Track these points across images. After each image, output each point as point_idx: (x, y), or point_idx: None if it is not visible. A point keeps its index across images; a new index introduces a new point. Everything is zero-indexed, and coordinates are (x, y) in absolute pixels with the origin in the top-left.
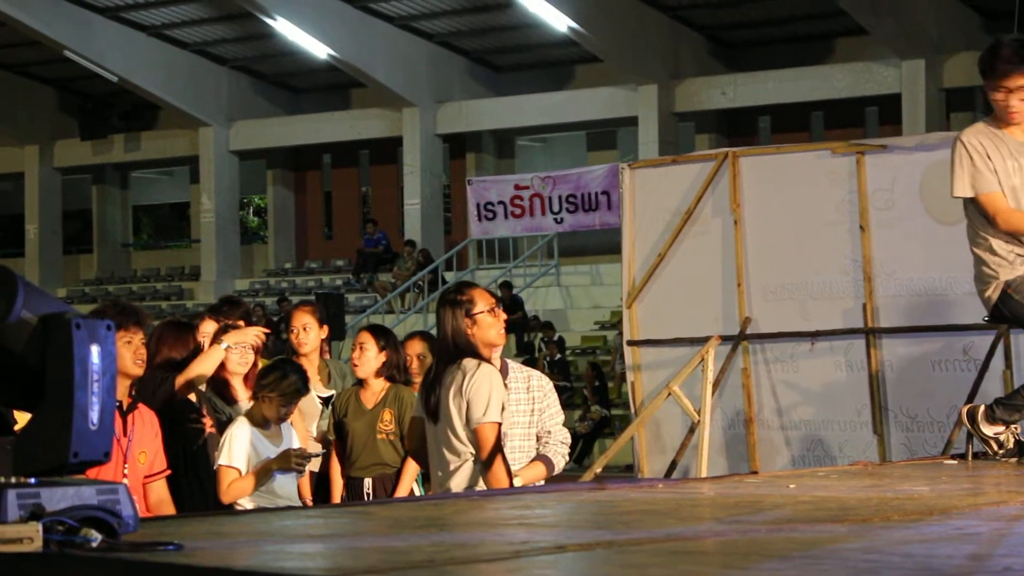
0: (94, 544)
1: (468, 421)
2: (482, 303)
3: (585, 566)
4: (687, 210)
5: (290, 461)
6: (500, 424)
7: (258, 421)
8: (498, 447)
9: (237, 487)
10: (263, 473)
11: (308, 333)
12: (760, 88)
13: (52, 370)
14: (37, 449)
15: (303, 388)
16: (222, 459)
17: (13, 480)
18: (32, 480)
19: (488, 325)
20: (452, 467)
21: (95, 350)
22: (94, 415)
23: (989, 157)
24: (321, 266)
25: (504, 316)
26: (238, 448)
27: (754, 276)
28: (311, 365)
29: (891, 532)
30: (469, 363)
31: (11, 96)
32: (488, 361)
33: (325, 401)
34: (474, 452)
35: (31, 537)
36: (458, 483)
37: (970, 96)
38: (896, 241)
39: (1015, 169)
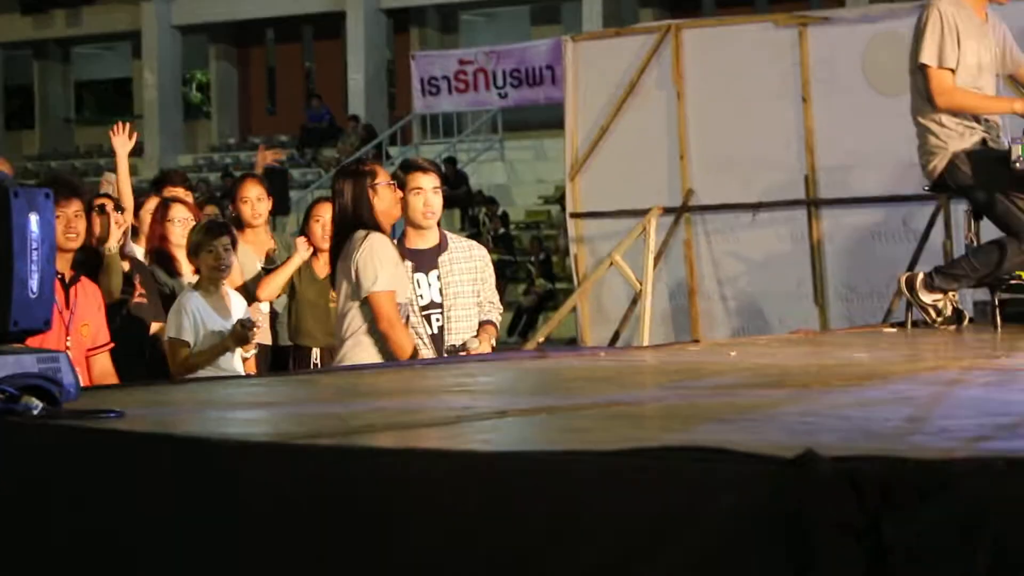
0: (35, 412)
1: (359, 292)
2: (383, 176)
3: (526, 431)
4: (630, 83)
5: (245, 336)
6: (393, 292)
7: (204, 288)
8: (394, 314)
9: (189, 363)
10: (219, 351)
11: (260, 204)
12: None
13: None
14: None
15: (224, 227)
16: (171, 332)
17: None
18: None
19: (388, 197)
20: (347, 339)
21: (33, 218)
22: (33, 283)
23: (958, 32)
24: (265, 141)
25: (400, 193)
26: (187, 321)
27: (696, 148)
28: (260, 238)
29: (830, 396)
30: (359, 234)
31: None
32: (384, 232)
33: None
34: (364, 323)
35: None
36: (354, 356)
37: None
38: (837, 113)
39: (983, 48)
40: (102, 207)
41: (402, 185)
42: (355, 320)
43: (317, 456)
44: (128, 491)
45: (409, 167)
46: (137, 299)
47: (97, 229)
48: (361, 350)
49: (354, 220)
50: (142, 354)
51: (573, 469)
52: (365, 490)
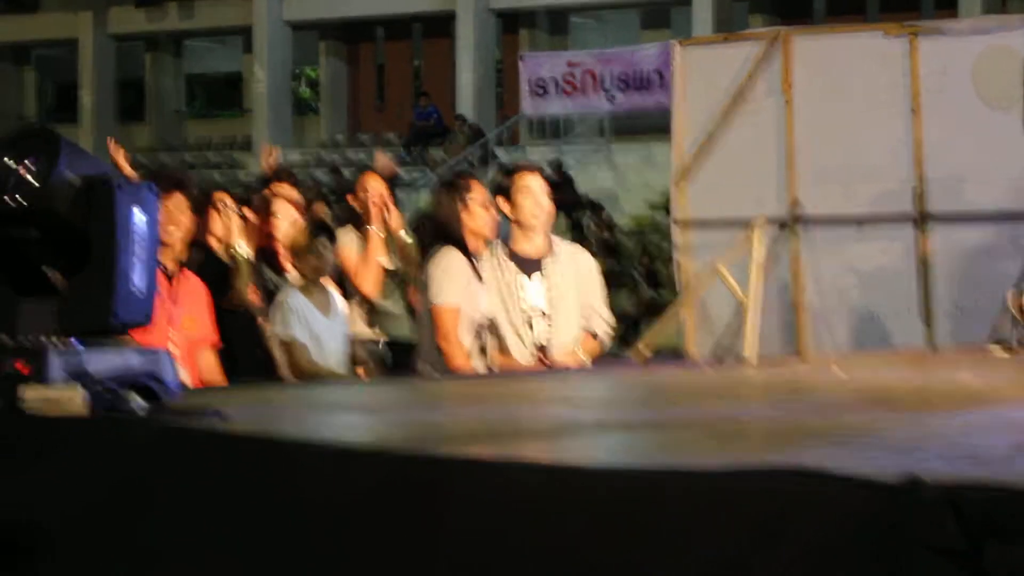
0: (136, 409)
1: (427, 302)
2: (479, 194)
3: (626, 445)
4: (738, 89)
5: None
6: (456, 308)
7: (306, 287)
8: (451, 330)
9: (303, 366)
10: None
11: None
12: None
13: (95, 232)
14: (80, 311)
15: (326, 227)
16: (280, 331)
17: (57, 342)
18: (76, 342)
19: (480, 216)
20: (424, 345)
21: (138, 212)
22: (137, 278)
23: None
24: (373, 139)
25: (500, 203)
26: (294, 319)
27: (804, 158)
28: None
29: (936, 419)
30: (437, 248)
31: None
32: (468, 248)
33: (390, 275)
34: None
35: (73, 399)
36: (431, 363)
37: None
38: (948, 126)
39: None
40: (223, 203)
41: (505, 190)
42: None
43: (417, 464)
44: (228, 492)
45: (515, 169)
46: (255, 301)
47: (218, 227)
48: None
49: (442, 232)
50: (264, 355)
51: (673, 487)
52: (463, 501)
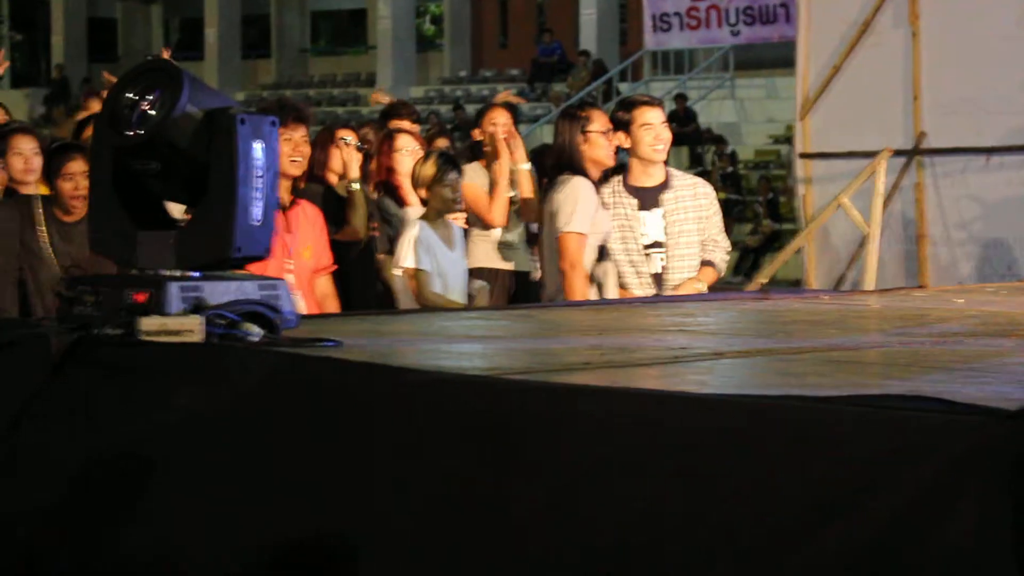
0: (254, 338)
1: (554, 230)
2: (599, 123)
3: (742, 373)
4: (864, 21)
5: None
6: (584, 236)
7: (432, 219)
8: (578, 258)
9: (431, 298)
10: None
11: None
12: None
13: (215, 165)
14: (200, 243)
15: (455, 161)
16: (409, 262)
17: (176, 273)
18: (195, 274)
19: (600, 145)
20: (548, 275)
21: (258, 146)
22: (256, 211)
23: None
24: (496, 75)
25: (617, 142)
26: (423, 250)
27: (930, 90)
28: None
29: None
30: (563, 177)
31: None
32: (590, 178)
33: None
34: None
35: (192, 330)
36: (554, 293)
37: None
38: None
39: None
40: (344, 140)
41: (625, 124)
42: (553, 261)
43: (530, 392)
44: (344, 419)
45: (634, 103)
46: (372, 233)
47: (338, 163)
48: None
49: (564, 163)
50: (379, 289)
51: (788, 414)
52: (578, 428)
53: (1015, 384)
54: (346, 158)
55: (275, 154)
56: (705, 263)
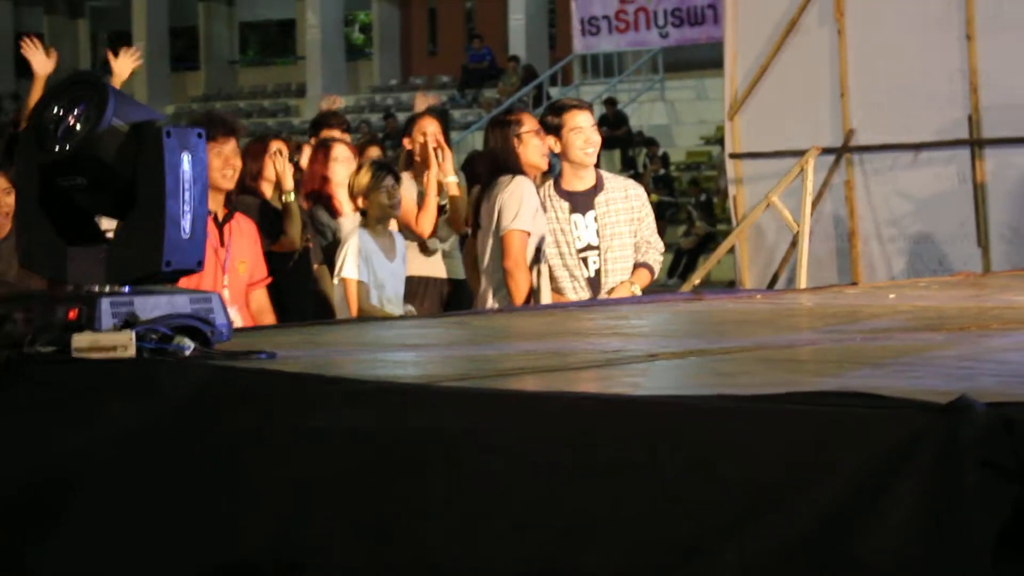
0: (187, 352)
1: (498, 229)
2: (529, 124)
3: (676, 374)
4: (790, 20)
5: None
6: (528, 234)
7: (372, 227)
8: (522, 256)
9: (364, 307)
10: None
11: (439, 137)
12: None
13: (143, 179)
14: (130, 258)
15: (390, 167)
16: (347, 272)
17: (106, 289)
18: (126, 289)
19: (534, 146)
20: (484, 278)
21: (186, 158)
22: (186, 224)
23: None
24: (426, 83)
25: (549, 142)
26: (360, 260)
27: (858, 87)
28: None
29: (988, 340)
30: (504, 178)
31: None
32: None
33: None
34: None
35: (124, 345)
36: (489, 294)
37: None
38: (1002, 50)
39: None
40: (279, 151)
41: (555, 129)
42: (494, 260)
43: (465, 398)
44: (277, 432)
45: (563, 107)
46: (307, 244)
47: (271, 175)
48: (494, 291)
49: (501, 167)
50: (314, 300)
51: (720, 413)
52: (509, 433)
53: (944, 378)
54: (279, 169)
55: (203, 166)
56: (639, 265)
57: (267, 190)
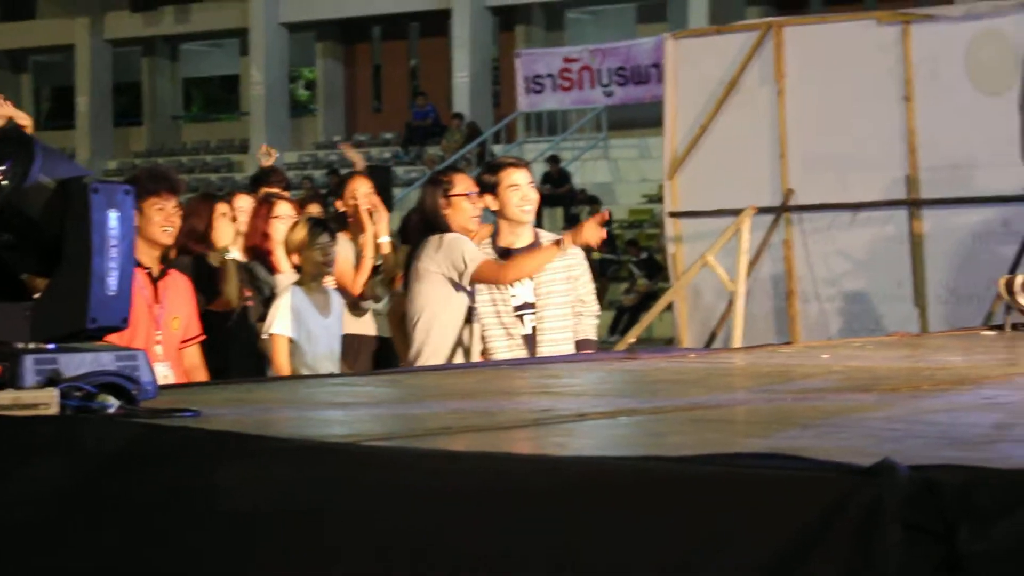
0: (110, 410)
1: (463, 272)
2: (461, 187)
3: (604, 434)
4: (731, 81)
5: None
6: (489, 260)
7: (307, 284)
8: (498, 266)
9: (291, 362)
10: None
11: (370, 198)
12: None
13: (69, 235)
14: (55, 315)
15: (327, 224)
16: (276, 328)
17: (31, 346)
18: (50, 346)
19: (464, 209)
20: (415, 336)
21: (113, 215)
22: (112, 281)
23: None
24: (370, 139)
25: (483, 205)
26: (291, 317)
27: (797, 147)
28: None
29: (919, 401)
30: (434, 237)
31: None
32: None
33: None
34: (434, 324)
35: (47, 403)
36: (428, 352)
37: None
38: (940, 112)
39: None
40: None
41: (492, 187)
42: (424, 319)
43: (390, 458)
44: (201, 490)
45: (500, 165)
46: (246, 302)
47: (218, 233)
48: (432, 347)
49: (429, 228)
50: (255, 357)
51: (644, 474)
52: (435, 493)
53: (872, 439)
54: (219, 227)
55: (130, 223)
56: (582, 344)
57: (204, 248)
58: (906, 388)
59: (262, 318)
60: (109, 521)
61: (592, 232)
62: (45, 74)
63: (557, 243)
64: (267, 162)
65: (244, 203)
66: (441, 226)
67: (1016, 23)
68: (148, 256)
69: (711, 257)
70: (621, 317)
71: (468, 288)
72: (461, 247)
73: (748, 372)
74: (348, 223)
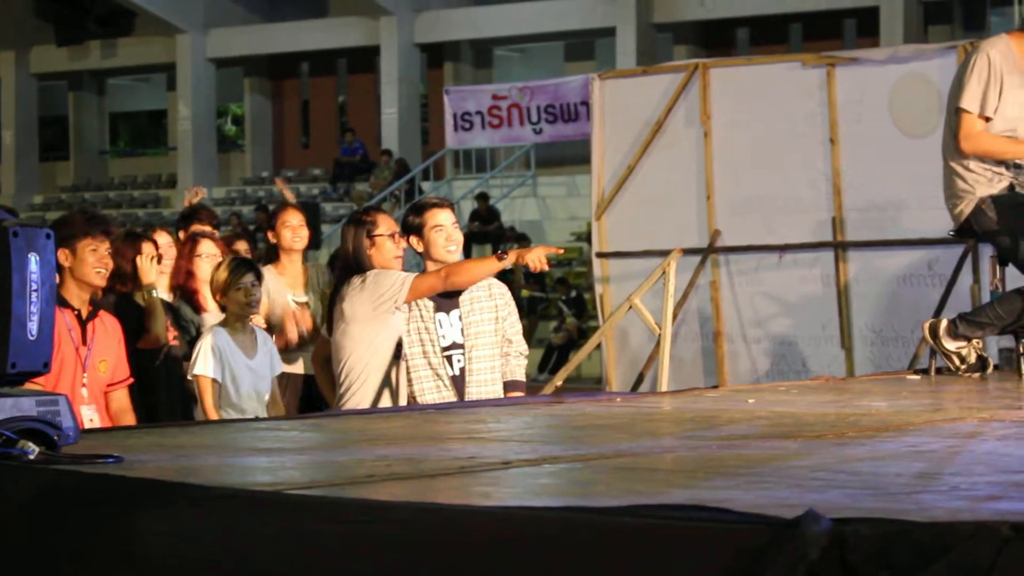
0: (31, 456)
1: (396, 296)
2: (384, 227)
3: (529, 482)
4: (657, 121)
5: None
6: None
7: (231, 324)
8: (430, 277)
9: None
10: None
11: (301, 230)
12: None
13: None
14: None
15: (251, 264)
16: (199, 369)
17: None
18: None
19: (387, 249)
20: (345, 376)
21: (33, 259)
22: (33, 325)
23: (1003, 82)
24: (298, 175)
25: (404, 246)
26: (213, 357)
27: (723, 189)
28: (296, 268)
29: (843, 449)
30: (356, 278)
31: None
32: None
33: (301, 306)
34: (361, 361)
35: None
36: (355, 395)
37: (948, 9)
38: (864, 154)
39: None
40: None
41: (417, 228)
42: (350, 362)
43: (312, 507)
44: (122, 537)
45: (424, 206)
46: (172, 341)
47: (142, 272)
48: (359, 388)
49: (353, 267)
50: (183, 396)
51: (569, 526)
52: (357, 543)
53: (795, 489)
54: (142, 263)
55: (51, 267)
56: (510, 385)
57: (129, 287)
58: (831, 435)
59: (187, 357)
60: (25, 569)
61: (538, 257)
62: None
63: (500, 256)
64: (193, 200)
65: (163, 239)
66: (364, 266)
67: (940, 67)
68: (78, 298)
69: (637, 300)
70: (550, 355)
71: (397, 325)
72: (388, 276)
73: (674, 418)
74: (279, 256)
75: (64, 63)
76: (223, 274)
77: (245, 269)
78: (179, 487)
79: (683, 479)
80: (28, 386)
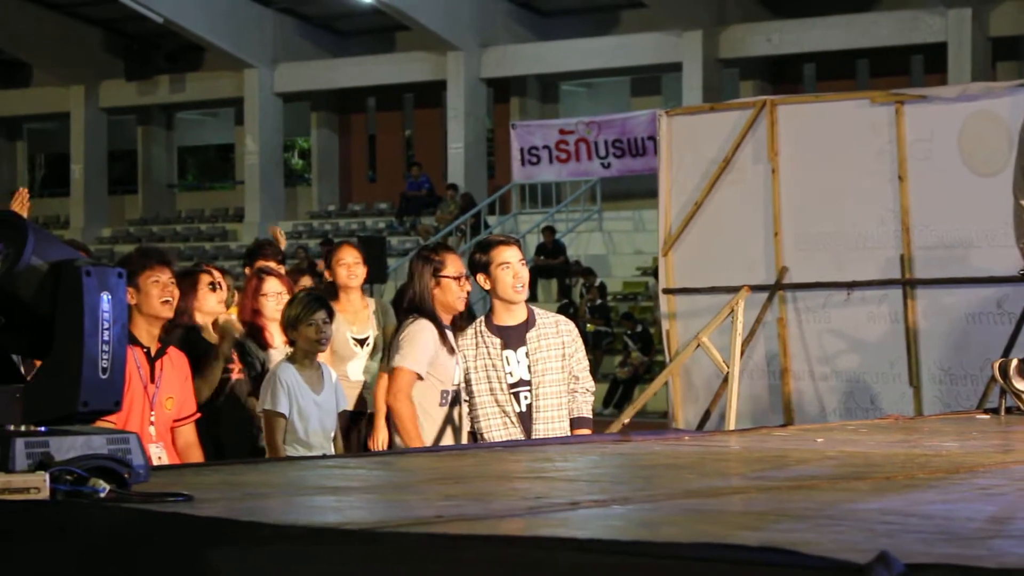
0: (101, 494)
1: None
2: (452, 268)
3: (597, 524)
4: (724, 158)
5: None
6: (414, 373)
7: (299, 360)
8: (404, 391)
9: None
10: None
11: (357, 267)
12: (805, 35)
13: (61, 318)
14: (46, 398)
15: (323, 301)
16: (267, 404)
17: (22, 428)
18: (41, 429)
19: (452, 291)
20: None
21: (105, 298)
22: (104, 364)
23: None
24: (364, 209)
25: (469, 289)
26: (282, 393)
27: (791, 225)
28: (354, 305)
29: (914, 491)
30: (410, 319)
31: (57, 36)
32: (439, 321)
33: (360, 343)
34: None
35: (38, 487)
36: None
37: (1016, 45)
38: (934, 192)
39: None
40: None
41: (484, 266)
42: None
43: (383, 546)
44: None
45: (491, 244)
46: (236, 375)
47: (203, 303)
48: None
49: (415, 305)
50: (248, 432)
51: (640, 566)
52: None
53: (866, 533)
54: (215, 298)
55: (123, 306)
56: (577, 422)
57: (199, 320)
58: (901, 476)
59: (252, 392)
60: None
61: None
62: (40, 142)
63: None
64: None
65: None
66: (426, 305)
67: (1010, 104)
68: (147, 334)
69: (705, 338)
70: (616, 389)
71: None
72: (409, 342)
73: (743, 457)
74: (337, 294)
75: (133, 97)
76: (295, 310)
77: (318, 306)
78: (248, 526)
79: (753, 520)
80: (99, 424)
